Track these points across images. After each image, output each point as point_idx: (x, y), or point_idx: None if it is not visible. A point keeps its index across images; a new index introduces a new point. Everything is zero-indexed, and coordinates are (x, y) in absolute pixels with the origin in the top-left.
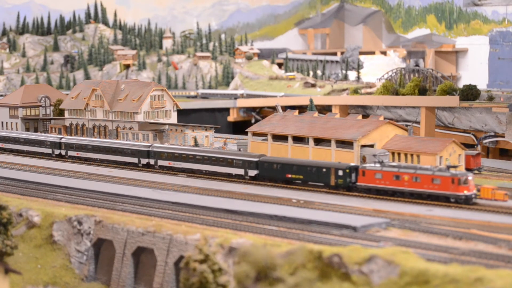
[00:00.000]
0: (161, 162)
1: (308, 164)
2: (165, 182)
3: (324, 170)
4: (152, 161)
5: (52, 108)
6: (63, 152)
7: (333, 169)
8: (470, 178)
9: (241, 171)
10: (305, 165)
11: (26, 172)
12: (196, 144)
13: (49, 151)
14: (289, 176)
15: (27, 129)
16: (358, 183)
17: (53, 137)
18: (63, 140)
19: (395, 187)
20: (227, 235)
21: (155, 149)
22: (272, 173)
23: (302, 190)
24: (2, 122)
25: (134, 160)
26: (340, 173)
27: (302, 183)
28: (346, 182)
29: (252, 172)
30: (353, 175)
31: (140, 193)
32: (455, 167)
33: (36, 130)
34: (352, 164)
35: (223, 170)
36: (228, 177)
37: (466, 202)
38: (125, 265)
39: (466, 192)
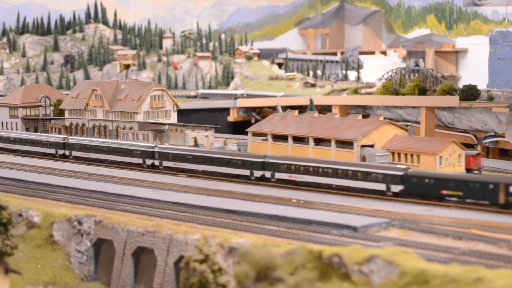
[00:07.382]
0: (278, 175)
1: (469, 179)
2: (165, 182)
3: (491, 186)
4: (268, 174)
5: (52, 108)
6: (156, 162)
7: (502, 185)
8: None
9: (382, 186)
10: (465, 180)
11: (26, 172)
12: (196, 145)
13: (139, 161)
14: (445, 192)
15: (27, 129)
16: None
17: (143, 145)
18: (156, 149)
19: None
20: (227, 235)
21: (270, 160)
22: (423, 189)
23: (302, 190)
24: (2, 122)
25: (246, 172)
26: None
27: (460, 200)
28: None
29: (396, 188)
30: None
31: (140, 193)
32: None
33: (36, 130)
34: None
35: (359, 185)
36: (365, 192)
37: None
38: (125, 265)
39: None
